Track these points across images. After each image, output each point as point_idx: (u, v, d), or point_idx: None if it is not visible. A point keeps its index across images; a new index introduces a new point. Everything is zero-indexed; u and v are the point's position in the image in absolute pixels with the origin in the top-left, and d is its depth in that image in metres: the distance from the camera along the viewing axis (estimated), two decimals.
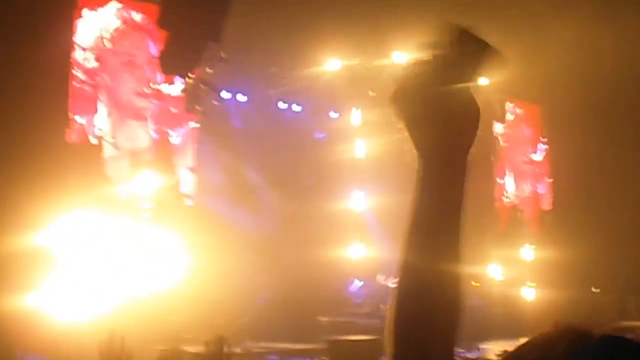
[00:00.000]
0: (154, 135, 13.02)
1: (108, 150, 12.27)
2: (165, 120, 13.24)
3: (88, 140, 11.95)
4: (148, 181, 12.58)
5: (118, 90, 12.62)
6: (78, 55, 11.72)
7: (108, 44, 12.22)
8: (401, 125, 0.95)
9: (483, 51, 0.95)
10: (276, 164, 15.41)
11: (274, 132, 15.32)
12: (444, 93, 0.95)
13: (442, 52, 0.94)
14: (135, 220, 12.00)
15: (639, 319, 14.67)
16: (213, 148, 14.19)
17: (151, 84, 12.98)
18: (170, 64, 12.85)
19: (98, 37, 12.08)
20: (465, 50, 0.95)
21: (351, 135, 16.29)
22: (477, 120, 0.97)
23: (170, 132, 13.31)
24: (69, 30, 11.42)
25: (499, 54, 0.94)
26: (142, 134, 12.88)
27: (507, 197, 18.02)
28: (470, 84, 0.95)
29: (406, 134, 0.98)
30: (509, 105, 18.35)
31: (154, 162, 12.86)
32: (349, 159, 16.16)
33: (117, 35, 12.38)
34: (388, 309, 1.00)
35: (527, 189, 18.54)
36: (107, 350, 2.09)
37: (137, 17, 12.62)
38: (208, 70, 13.76)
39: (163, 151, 13.16)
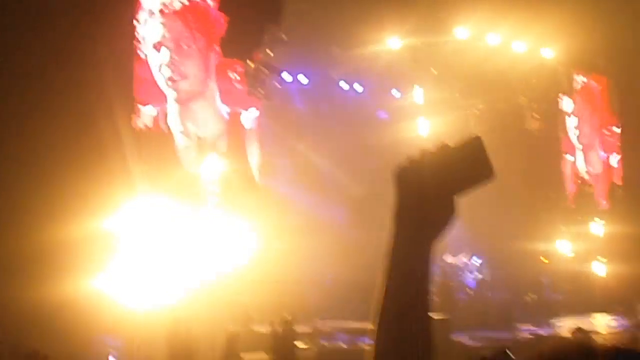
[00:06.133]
0: (226, 116, 13.08)
1: (178, 138, 12.35)
2: (234, 100, 13.22)
3: (159, 128, 12.07)
4: (217, 165, 12.68)
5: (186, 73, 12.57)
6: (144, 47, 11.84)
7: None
8: (394, 196, 1.07)
9: (483, 163, 1.06)
10: (340, 145, 15.41)
11: (337, 112, 15.31)
12: (437, 182, 1.07)
13: (449, 147, 1.03)
14: (203, 205, 12.18)
15: None
16: (277, 130, 14.28)
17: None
18: (232, 48, 12.95)
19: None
20: (469, 154, 1.06)
21: (414, 114, 16.15)
22: (449, 219, 1.10)
23: (243, 112, 13.25)
24: (132, 25, 11.64)
25: (492, 175, 1.05)
26: (210, 117, 12.89)
27: (576, 172, 17.64)
28: (457, 187, 1.08)
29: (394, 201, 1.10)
30: (577, 78, 17.88)
31: (225, 145, 12.86)
32: (412, 138, 16.04)
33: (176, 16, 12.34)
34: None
35: (597, 162, 18.08)
36: (173, 338, 2.17)
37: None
38: (269, 52, 13.81)
39: (234, 134, 13.13)
